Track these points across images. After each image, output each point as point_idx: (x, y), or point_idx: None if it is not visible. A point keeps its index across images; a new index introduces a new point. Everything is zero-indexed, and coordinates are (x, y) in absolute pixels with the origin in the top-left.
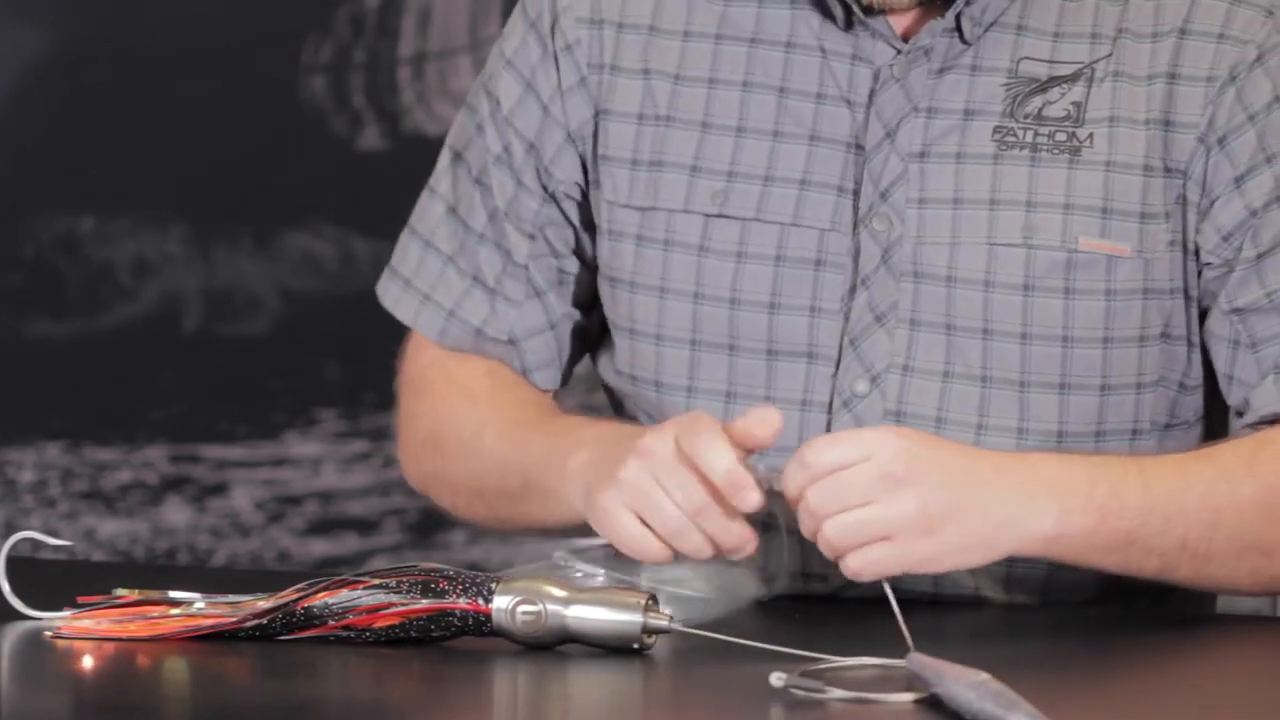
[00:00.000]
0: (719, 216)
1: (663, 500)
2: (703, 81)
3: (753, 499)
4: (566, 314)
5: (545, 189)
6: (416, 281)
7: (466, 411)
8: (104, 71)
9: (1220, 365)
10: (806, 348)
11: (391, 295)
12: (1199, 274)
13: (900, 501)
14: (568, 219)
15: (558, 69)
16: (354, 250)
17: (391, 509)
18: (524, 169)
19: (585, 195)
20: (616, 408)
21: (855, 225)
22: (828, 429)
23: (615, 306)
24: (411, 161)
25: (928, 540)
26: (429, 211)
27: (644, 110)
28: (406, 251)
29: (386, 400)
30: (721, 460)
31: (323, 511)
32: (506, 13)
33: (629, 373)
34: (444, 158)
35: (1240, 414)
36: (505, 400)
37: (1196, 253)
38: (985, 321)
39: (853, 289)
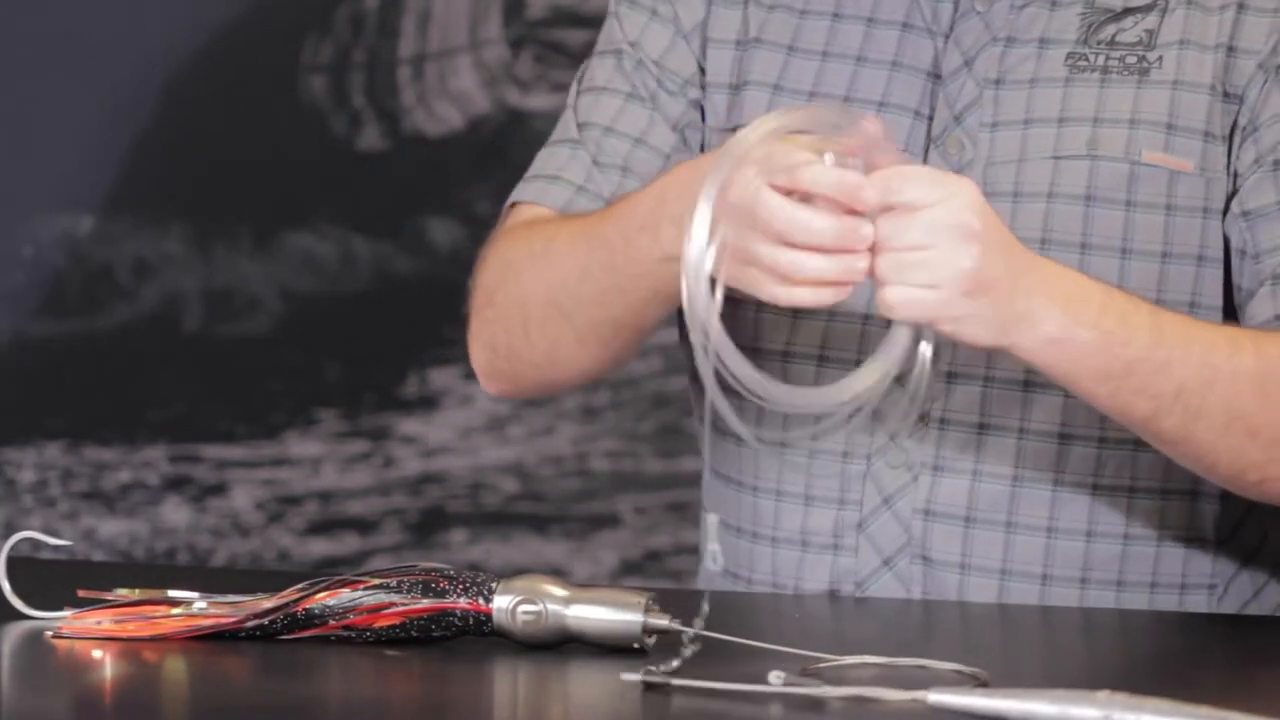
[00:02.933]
0: None
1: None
2: (795, 11)
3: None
4: None
5: (686, 92)
6: (548, 170)
7: (536, 230)
8: (104, 71)
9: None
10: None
11: (520, 191)
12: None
13: (961, 256)
14: (705, 119)
15: (689, 7)
16: (354, 250)
17: (391, 509)
18: (665, 71)
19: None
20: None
21: (926, 148)
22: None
23: None
24: (411, 161)
25: (965, 301)
26: (565, 118)
27: (739, 37)
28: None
29: (386, 400)
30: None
31: (323, 511)
32: (507, 12)
33: None
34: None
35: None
36: (575, 216)
37: (1234, 178)
38: (1045, 232)
39: None
